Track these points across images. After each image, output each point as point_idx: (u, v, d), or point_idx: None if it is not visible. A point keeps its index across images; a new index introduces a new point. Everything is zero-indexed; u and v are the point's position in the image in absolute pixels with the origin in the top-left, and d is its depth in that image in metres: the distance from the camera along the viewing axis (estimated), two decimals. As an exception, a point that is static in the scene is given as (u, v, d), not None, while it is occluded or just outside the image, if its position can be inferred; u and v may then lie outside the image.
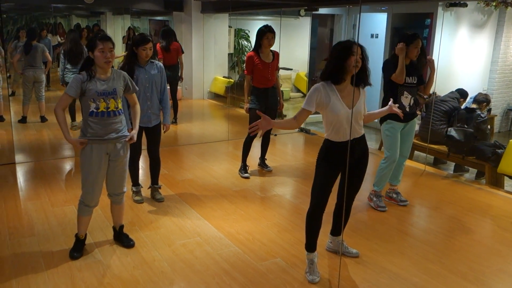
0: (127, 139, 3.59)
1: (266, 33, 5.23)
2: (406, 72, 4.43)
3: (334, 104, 3.12)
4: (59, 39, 10.31)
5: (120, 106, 3.48)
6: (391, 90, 4.47)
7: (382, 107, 4.49)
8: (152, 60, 4.41)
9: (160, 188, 4.88)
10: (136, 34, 5.38)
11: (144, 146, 4.65)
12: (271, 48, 5.42)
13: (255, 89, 5.42)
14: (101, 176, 3.53)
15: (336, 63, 3.12)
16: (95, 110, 3.37)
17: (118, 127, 3.49)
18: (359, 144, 3.30)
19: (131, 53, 4.31)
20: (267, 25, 5.32)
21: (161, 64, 4.48)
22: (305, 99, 3.20)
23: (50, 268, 3.44)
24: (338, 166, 3.27)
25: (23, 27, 9.41)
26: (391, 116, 4.53)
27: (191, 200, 4.82)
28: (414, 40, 4.38)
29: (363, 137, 3.33)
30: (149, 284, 3.27)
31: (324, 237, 3.67)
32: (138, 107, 3.78)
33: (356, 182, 3.42)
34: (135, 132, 3.69)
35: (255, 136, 5.53)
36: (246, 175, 5.58)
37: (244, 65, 5.54)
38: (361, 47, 3.16)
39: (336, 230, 3.69)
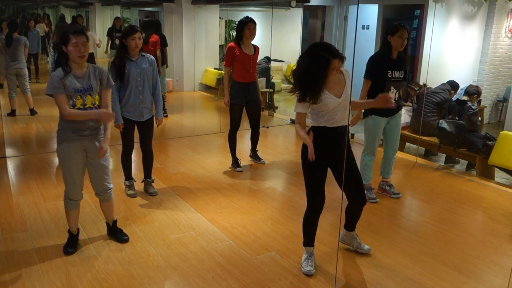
0: (98, 153, 3.45)
1: (247, 23, 5.16)
2: (393, 67, 4.41)
3: (323, 100, 3.10)
4: (45, 29, 10.18)
5: (97, 102, 3.43)
6: (376, 84, 4.41)
7: (368, 99, 4.47)
8: (144, 54, 4.38)
9: (153, 182, 4.86)
10: (126, 25, 5.34)
11: (136, 139, 4.62)
12: (252, 42, 5.36)
13: (236, 83, 5.33)
14: (81, 170, 3.50)
15: (317, 82, 3.02)
16: (71, 107, 3.33)
17: (96, 124, 3.46)
18: (346, 132, 3.27)
19: (121, 45, 4.28)
20: (247, 16, 5.27)
21: (153, 58, 4.44)
22: (296, 103, 3.16)
23: (44, 263, 3.42)
24: (327, 156, 3.24)
25: (6, 18, 9.28)
26: (376, 112, 4.49)
27: (185, 194, 4.81)
28: (398, 30, 4.31)
29: (347, 127, 3.30)
30: (144, 279, 3.27)
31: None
32: (110, 110, 3.60)
33: (356, 174, 3.40)
34: (106, 144, 3.49)
35: (237, 129, 5.50)
36: (239, 168, 5.56)
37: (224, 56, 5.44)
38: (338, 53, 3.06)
39: (349, 226, 3.67)
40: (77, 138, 3.38)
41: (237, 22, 5.44)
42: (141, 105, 4.38)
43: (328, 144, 3.22)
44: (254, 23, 5.22)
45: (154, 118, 4.59)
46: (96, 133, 3.47)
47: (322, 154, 3.21)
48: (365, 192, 4.66)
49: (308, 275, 3.34)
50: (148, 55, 4.43)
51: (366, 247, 3.71)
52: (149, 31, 7.66)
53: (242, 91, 5.33)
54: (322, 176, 3.28)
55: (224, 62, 5.38)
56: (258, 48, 5.40)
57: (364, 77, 4.49)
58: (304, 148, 3.25)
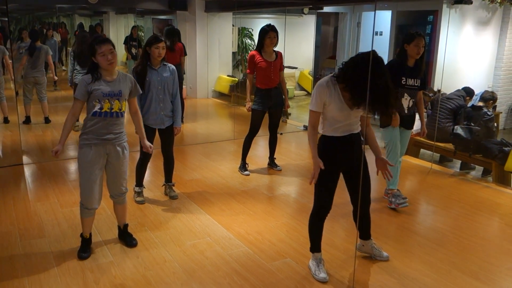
0: (144, 149, 3.89)
1: (268, 32, 5.25)
2: (409, 74, 4.45)
3: (336, 103, 3.12)
4: (60, 38, 10.35)
5: (123, 108, 3.52)
6: None
7: None
8: (165, 63, 4.45)
9: (174, 185, 4.92)
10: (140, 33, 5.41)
11: (157, 146, 4.64)
12: (275, 48, 5.42)
13: (258, 90, 5.43)
14: (99, 178, 3.55)
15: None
16: (98, 110, 3.40)
17: (119, 129, 3.53)
18: (357, 140, 3.28)
19: (145, 53, 4.38)
20: (269, 24, 5.33)
21: (174, 67, 4.51)
22: (312, 100, 3.19)
23: (61, 269, 3.46)
24: (338, 163, 3.26)
25: (25, 27, 9.45)
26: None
27: (200, 200, 4.84)
28: (414, 38, 4.33)
29: (359, 134, 3.31)
30: (161, 285, 3.29)
31: (327, 234, 3.66)
32: (139, 114, 3.81)
33: (365, 182, 3.39)
34: (146, 142, 3.86)
35: (255, 135, 5.56)
36: (246, 172, 5.63)
37: (247, 64, 5.57)
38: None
39: (363, 234, 3.66)
40: (100, 142, 3.45)
41: (250, 30, 5.53)
42: (161, 113, 4.45)
43: (336, 153, 3.24)
44: (275, 31, 5.29)
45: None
46: (119, 138, 3.54)
47: (334, 161, 3.22)
48: (393, 200, 4.61)
49: (324, 282, 3.34)
50: (169, 64, 4.51)
51: (385, 254, 3.68)
52: (173, 38, 7.74)
53: (265, 97, 5.41)
54: (333, 182, 3.29)
55: (247, 70, 5.50)
56: (280, 54, 5.48)
57: None
58: (321, 144, 3.28)
